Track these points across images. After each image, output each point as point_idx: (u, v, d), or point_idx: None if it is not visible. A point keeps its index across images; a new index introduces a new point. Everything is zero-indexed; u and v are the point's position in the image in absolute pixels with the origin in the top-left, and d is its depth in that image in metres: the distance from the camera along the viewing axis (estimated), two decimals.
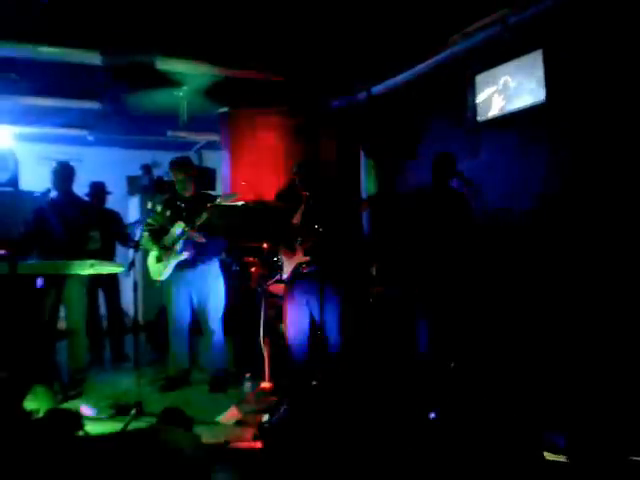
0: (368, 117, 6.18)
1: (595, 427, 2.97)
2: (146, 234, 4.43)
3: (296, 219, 4.06)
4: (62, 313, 4.49)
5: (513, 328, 4.13)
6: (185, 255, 4.29)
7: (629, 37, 3.79)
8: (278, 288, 4.54)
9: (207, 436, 3.12)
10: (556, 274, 4.15)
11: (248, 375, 4.17)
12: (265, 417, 3.24)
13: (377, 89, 5.99)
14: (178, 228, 4.30)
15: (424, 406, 3.27)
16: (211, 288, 4.45)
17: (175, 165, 4.46)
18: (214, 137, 7.83)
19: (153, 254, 4.46)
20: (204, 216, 4.17)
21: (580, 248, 4.03)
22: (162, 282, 4.45)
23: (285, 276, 4.06)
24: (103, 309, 5.71)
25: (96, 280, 4.95)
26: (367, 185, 6.48)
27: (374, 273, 4.98)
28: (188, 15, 4.51)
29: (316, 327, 3.95)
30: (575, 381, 3.54)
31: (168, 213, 4.45)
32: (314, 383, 3.64)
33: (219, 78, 5.88)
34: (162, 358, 5.08)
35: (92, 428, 3.16)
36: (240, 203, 3.74)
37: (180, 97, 6.33)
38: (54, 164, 4.53)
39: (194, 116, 6.70)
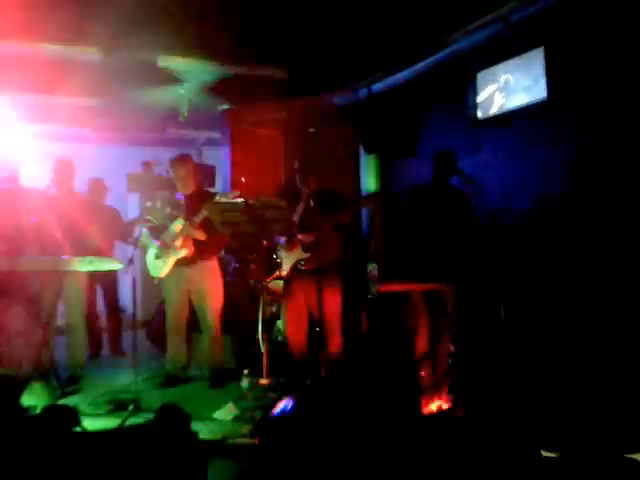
0: (369, 115, 6.17)
1: (590, 424, 2.96)
2: (145, 231, 4.43)
3: (296, 216, 4.05)
4: (61, 309, 4.50)
5: (511, 325, 4.12)
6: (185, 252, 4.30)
7: (631, 34, 3.78)
8: (277, 285, 4.54)
9: (205, 432, 3.12)
10: (555, 273, 4.14)
11: (246, 371, 4.15)
12: (263, 414, 3.24)
13: (378, 87, 5.98)
14: (177, 225, 4.30)
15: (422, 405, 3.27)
16: (210, 285, 4.44)
17: (175, 162, 4.45)
18: (214, 134, 7.82)
19: (152, 251, 4.45)
20: (203, 213, 4.17)
21: (579, 247, 4.02)
22: (161, 279, 4.45)
23: (284, 273, 4.06)
24: (101, 305, 5.72)
25: (95, 277, 4.95)
26: (367, 182, 6.48)
27: (375, 271, 4.97)
28: (190, 11, 4.50)
29: (314, 324, 3.94)
30: (572, 379, 3.54)
31: (168, 210, 4.44)
32: (309, 382, 3.64)
33: (220, 75, 5.87)
34: (160, 355, 5.09)
35: (90, 424, 3.16)
36: (240, 200, 3.73)
37: (181, 94, 6.32)
38: (54, 161, 4.53)
39: (195, 113, 6.70)
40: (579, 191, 4.09)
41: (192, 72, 5.77)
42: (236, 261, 5.62)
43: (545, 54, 4.35)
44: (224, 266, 5.06)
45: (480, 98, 5.01)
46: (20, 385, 3.25)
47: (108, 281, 5.59)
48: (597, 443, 2.75)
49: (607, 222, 3.87)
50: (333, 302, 4.06)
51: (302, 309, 4.10)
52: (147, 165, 8.03)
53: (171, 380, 4.47)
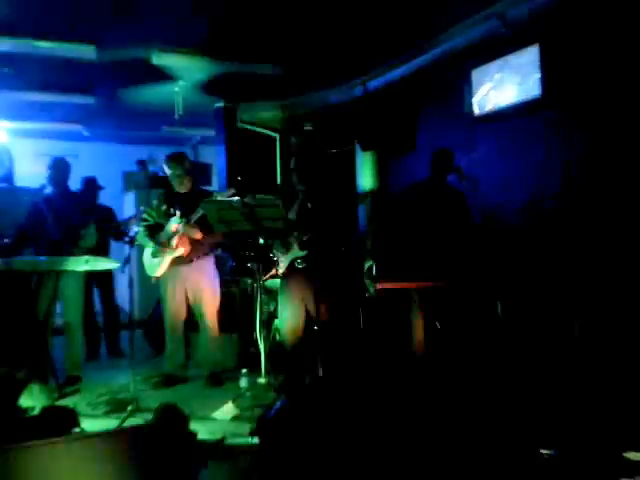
0: (364, 112, 6.17)
1: (588, 423, 2.98)
2: (142, 230, 4.41)
3: (292, 214, 4.05)
4: (59, 309, 4.49)
5: (508, 322, 4.14)
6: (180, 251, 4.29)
7: (626, 32, 3.79)
8: (274, 283, 4.54)
9: (203, 432, 3.11)
10: (551, 269, 4.15)
11: (244, 371, 4.16)
12: (262, 412, 3.24)
13: (373, 84, 5.98)
14: (174, 224, 4.29)
15: (420, 403, 3.28)
16: (207, 284, 4.44)
17: (170, 160, 4.44)
18: (210, 132, 7.81)
19: (149, 250, 4.44)
20: (199, 211, 4.16)
21: (575, 244, 4.03)
22: (158, 278, 4.44)
23: (281, 271, 4.05)
24: (98, 305, 5.71)
25: (91, 276, 4.94)
26: (363, 180, 6.48)
27: (373, 269, 4.97)
28: (185, 8, 4.49)
29: (312, 322, 3.94)
30: (570, 378, 3.55)
31: (164, 209, 4.43)
32: (307, 381, 3.64)
33: (215, 72, 5.85)
34: (158, 354, 5.08)
35: (89, 425, 3.15)
36: (236, 198, 3.72)
37: (176, 92, 6.30)
38: (50, 160, 4.51)
39: (190, 111, 6.68)
40: (574, 188, 4.10)
41: (187, 70, 5.75)
42: (233, 260, 5.62)
43: (540, 52, 4.36)
44: (221, 265, 5.05)
45: (475, 96, 5.01)
46: (18, 386, 3.25)
47: (105, 281, 5.58)
48: (596, 442, 2.76)
49: (602, 219, 3.88)
50: (329, 300, 4.06)
51: (299, 307, 4.09)
52: (143, 163, 8.01)
53: (169, 380, 4.46)
